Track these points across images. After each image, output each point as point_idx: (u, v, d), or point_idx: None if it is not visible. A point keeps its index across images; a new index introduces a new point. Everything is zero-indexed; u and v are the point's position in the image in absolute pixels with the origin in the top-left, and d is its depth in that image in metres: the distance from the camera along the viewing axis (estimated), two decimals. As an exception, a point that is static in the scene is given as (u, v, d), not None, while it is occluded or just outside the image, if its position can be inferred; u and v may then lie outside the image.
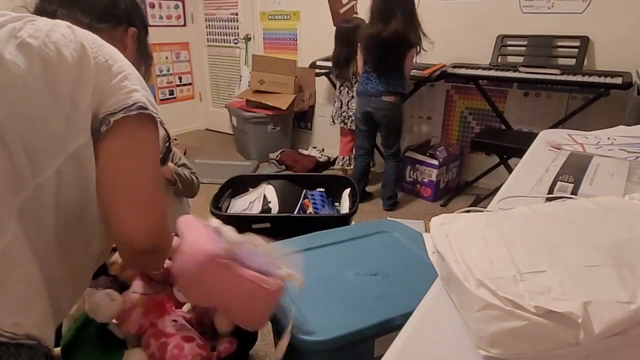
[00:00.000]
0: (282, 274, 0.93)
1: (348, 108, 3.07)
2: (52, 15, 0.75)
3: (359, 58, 2.69)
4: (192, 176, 1.56)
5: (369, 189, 3.08)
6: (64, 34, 0.65)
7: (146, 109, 0.66)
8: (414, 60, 2.60)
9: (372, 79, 2.60)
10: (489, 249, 0.52)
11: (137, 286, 1.10)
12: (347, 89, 3.05)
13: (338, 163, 3.31)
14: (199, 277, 0.80)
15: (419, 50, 2.54)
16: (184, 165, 1.57)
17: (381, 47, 2.48)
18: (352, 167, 3.07)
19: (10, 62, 0.59)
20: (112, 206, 0.66)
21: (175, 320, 1.07)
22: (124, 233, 0.66)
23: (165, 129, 0.73)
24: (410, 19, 2.46)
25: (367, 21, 2.59)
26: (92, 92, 0.64)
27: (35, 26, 0.65)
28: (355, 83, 2.95)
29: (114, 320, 1.06)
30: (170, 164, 1.43)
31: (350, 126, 3.09)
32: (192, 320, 1.13)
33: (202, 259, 0.78)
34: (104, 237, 0.72)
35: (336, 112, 3.16)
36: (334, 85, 3.25)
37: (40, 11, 0.80)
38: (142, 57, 0.92)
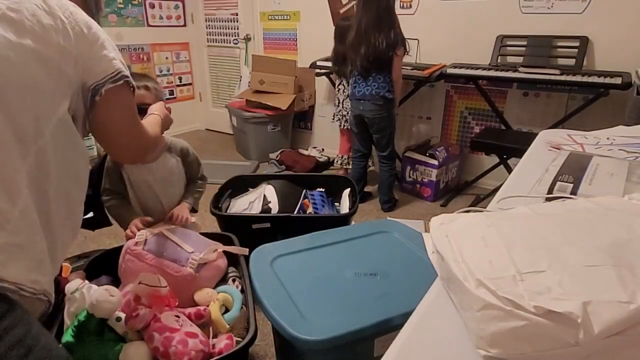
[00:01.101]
0: (195, 259, 1.25)
1: (343, 107, 3.07)
2: None
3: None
4: (202, 188, 1.62)
5: (368, 189, 3.08)
6: (38, 4, 0.71)
7: (127, 76, 0.81)
8: (401, 64, 2.60)
9: (359, 82, 2.61)
10: (488, 249, 0.52)
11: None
12: (343, 87, 3.05)
13: (337, 162, 3.32)
14: (122, 264, 1.15)
15: (405, 52, 2.56)
16: (196, 163, 1.59)
17: (364, 59, 2.51)
18: (350, 166, 3.07)
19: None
20: (112, 147, 0.90)
21: (177, 316, 1.07)
22: (123, 156, 1.01)
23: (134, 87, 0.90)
24: (391, 27, 2.48)
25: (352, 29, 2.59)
26: (74, 60, 0.73)
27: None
28: (349, 84, 2.96)
29: (118, 313, 1.07)
30: (185, 204, 1.53)
31: (344, 126, 3.09)
32: (192, 315, 1.14)
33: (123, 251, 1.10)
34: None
35: (334, 110, 3.18)
36: (334, 85, 3.25)
37: None
38: (90, 4, 0.98)
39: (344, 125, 3.10)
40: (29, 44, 0.67)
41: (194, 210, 1.59)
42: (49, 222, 0.73)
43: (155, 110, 1.19)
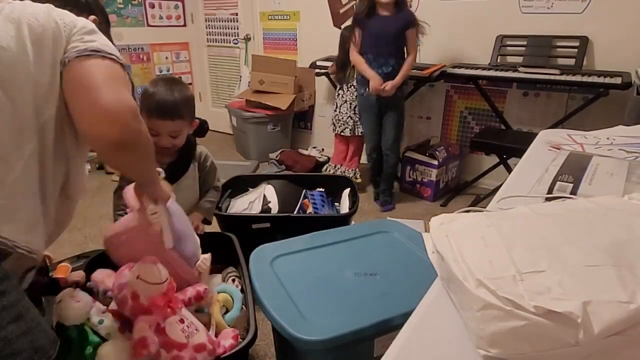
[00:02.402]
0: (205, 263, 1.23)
1: (339, 112, 3.06)
2: None
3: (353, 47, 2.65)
4: (216, 198, 1.60)
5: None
6: (36, 10, 0.81)
7: (99, 51, 0.79)
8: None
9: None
10: (488, 249, 0.52)
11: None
12: (342, 92, 3.03)
13: (328, 169, 3.28)
14: (108, 249, 1.07)
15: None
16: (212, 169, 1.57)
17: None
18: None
19: (2, 30, 0.74)
20: (81, 112, 0.77)
21: (182, 321, 1.05)
22: (92, 127, 0.75)
23: (130, 79, 0.90)
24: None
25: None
26: (64, 47, 0.80)
27: (12, 6, 0.79)
28: (350, 87, 2.95)
29: (100, 316, 1.04)
30: (198, 214, 1.50)
31: (339, 131, 3.08)
32: (192, 300, 1.12)
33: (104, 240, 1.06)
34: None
35: (332, 115, 3.17)
36: (334, 86, 3.25)
37: None
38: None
39: (337, 130, 3.09)
40: (29, 36, 0.76)
41: (207, 222, 1.55)
42: (45, 192, 0.81)
43: None
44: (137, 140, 0.77)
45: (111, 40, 1.05)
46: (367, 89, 2.60)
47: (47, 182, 0.81)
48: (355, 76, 2.80)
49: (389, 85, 2.51)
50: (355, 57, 2.63)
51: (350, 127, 3.03)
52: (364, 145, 2.95)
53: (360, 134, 3.00)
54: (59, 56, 0.79)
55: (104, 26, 1.04)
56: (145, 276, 0.98)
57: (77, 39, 0.80)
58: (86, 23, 0.85)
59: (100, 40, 0.83)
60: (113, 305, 1.07)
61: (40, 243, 0.81)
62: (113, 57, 0.80)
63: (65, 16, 0.83)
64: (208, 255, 1.29)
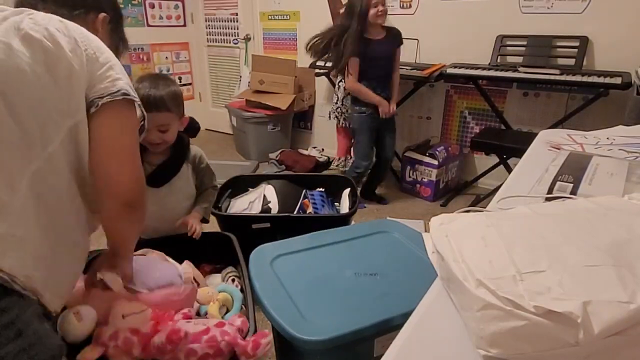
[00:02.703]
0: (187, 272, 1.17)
1: (342, 104, 3.06)
2: (34, 8, 0.84)
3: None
4: (213, 197, 1.59)
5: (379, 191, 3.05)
6: (58, 28, 0.78)
7: (128, 94, 0.82)
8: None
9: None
10: (488, 249, 0.52)
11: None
12: (343, 84, 3.03)
13: (335, 164, 3.30)
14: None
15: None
16: (208, 169, 1.55)
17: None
18: (347, 168, 3.06)
19: (18, 51, 0.71)
20: (103, 165, 0.82)
21: (188, 319, 1.05)
22: (112, 184, 0.83)
23: (142, 110, 0.89)
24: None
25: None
26: (84, 79, 0.78)
27: (34, 20, 0.76)
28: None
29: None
30: (196, 213, 1.49)
31: (343, 124, 3.08)
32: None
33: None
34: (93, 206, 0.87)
35: (333, 107, 3.16)
36: (334, 85, 3.25)
37: (21, 5, 0.87)
38: (115, 40, 1.03)
39: (342, 123, 3.09)
40: (44, 60, 0.74)
41: (205, 221, 1.55)
42: (54, 223, 0.76)
43: None
44: (143, 202, 0.90)
45: (124, 38, 1.07)
46: (369, 112, 2.62)
47: (55, 214, 0.77)
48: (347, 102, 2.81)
49: (394, 106, 2.63)
50: (356, 86, 2.59)
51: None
52: (361, 162, 2.83)
53: None
54: (81, 86, 0.78)
55: (115, 24, 1.02)
56: (129, 310, 0.99)
57: (102, 77, 0.80)
58: (109, 55, 0.84)
59: (125, 77, 0.83)
60: None
61: (41, 280, 0.73)
62: (130, 96, 0.83)
63: (88, 40, 0.81)
64: (185, 264, 1.24)
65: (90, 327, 0.98)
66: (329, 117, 3.26)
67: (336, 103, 3.11)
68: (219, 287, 1.32)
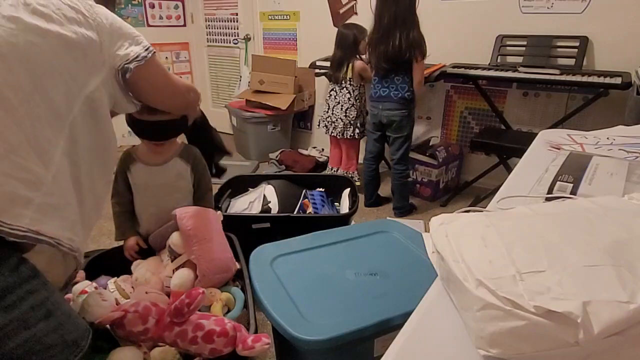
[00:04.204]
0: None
1: (332, 114, 3.01)
2: None
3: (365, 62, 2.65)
4: (211, 199, 1.60)
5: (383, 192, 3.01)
6: (63, 0, 0.82)
7: (147, 55, 0.95)
8: (422, 71, 2.55)
9: (377, 83, 2.59)
10: (488, 248, 0.52)
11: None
12: (335, 93, 2.97)
13: (331, 171, 3.26)
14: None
15: (424, 57, 2.50)
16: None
17: (381, 59, 2.49)
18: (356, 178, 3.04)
19: (31, 25, 0.75)
20: (163, 104, 1.16)
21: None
22: (177, 107, 1.24)
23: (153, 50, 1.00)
24: (411, 27, 2.42)
25: (371, 25, 2.55)
26: (99, 47, 0.86)
27: None
28: (343, 89, 2.91)
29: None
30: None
31: (332, 133, 3.04)
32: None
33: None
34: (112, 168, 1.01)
35: (322, 115, 3.11)
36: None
37: None
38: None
39: (331, 132, 3.05)
40: (56, 31, 0.78)
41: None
42: (80, 189, 0.84)
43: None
44: (198, 97, 1.30)
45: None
46: None
47: (82, 179, 0.85)
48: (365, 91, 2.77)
49: None
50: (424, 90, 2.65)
51: (340, 129, 2.98)
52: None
53: (349, 136, 2.98)
54: (95, 55, 0.86)
55: None
56: (152, 289, 1.13)
57: (122, 42, 0.91)
58: (115, 19, 0.92)
59: (135, 32, 0.95)
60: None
61: (82, 241, 0.83)
62: (150, 53, 0.97)
63: (93, 9, 0.87)
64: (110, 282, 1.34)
65: (108, 310, 1.05)
66: (318, 124, 3.20)
67: (327, 112, 3.05)
68: (223, 287, 1.32)
